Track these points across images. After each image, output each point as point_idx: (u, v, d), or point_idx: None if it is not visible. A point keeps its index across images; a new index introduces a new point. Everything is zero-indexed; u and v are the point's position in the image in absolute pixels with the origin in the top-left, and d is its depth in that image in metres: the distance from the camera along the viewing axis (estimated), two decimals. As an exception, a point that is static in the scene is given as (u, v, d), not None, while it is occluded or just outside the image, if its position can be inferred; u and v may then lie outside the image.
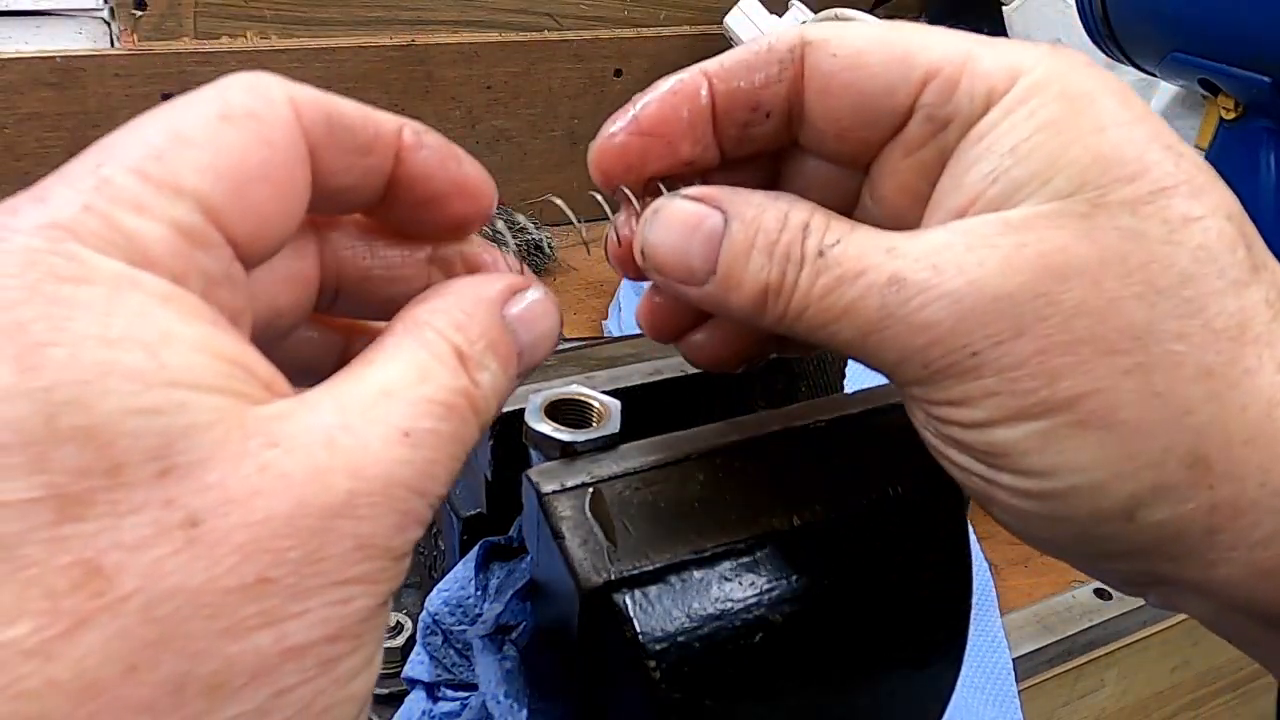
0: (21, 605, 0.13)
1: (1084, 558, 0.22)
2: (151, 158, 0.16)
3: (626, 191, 0.24)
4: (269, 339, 0.20)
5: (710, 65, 0.23)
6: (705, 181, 0.24)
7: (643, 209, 0.24)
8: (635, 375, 0.30)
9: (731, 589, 0.24)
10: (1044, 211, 0.19)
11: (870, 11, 0.83)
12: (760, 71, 0.23)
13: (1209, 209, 0.20)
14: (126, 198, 0.16)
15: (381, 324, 0.22)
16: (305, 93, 0.19)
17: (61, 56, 0.70)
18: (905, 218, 0.23)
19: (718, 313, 0.24)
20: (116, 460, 0.14)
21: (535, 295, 0.21)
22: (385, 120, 0.20)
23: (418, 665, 0.30)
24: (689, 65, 0.23)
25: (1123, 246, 0.19)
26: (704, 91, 0.23)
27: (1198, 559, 0.20)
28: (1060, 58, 0.21)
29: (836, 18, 0.83)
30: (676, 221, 0.22)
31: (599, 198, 0.26)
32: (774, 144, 0.24)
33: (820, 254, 0.21)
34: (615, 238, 0.24)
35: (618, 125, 0.23)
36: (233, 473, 0.15)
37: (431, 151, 0.21)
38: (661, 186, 0.24)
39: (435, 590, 0.30)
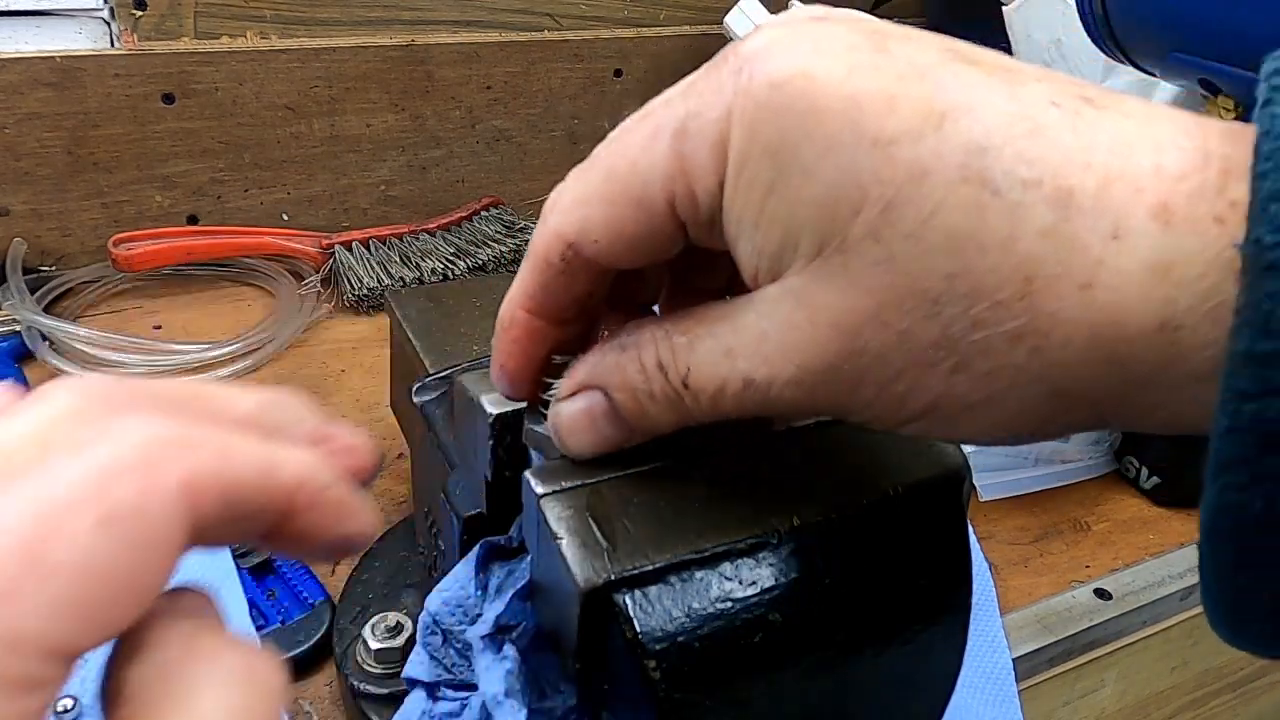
0: None
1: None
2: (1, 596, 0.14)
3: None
4: None
5: (517, 297, 0.25)
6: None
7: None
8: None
9: (731, 589, 0.24)
10: (811, 275, 0.20)
11: (871, 11, 0.83)
12: (558, 286, 0.24)
13: (938, 190, 0.19)
14: None
15: None
16: (204, 471, 0.17)
17: (61, 56, 0.70)
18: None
19: None
20: None
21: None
22: (282, 484, 0.19)
23: (418, 665, 0.30)
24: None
25: (882, 280, 0.19)
26: (539, 328, 0.25)
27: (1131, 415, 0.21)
28: (740, 97, 0.20)
29: (836, 18, 0.83)
30: (574, 425, 0.25)
31: None
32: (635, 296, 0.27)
33: (686, 386, 0.23)
34: None
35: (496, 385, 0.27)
36: None
37: (323, 513, 0.19)
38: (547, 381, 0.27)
39: (435, 590, 0.30)
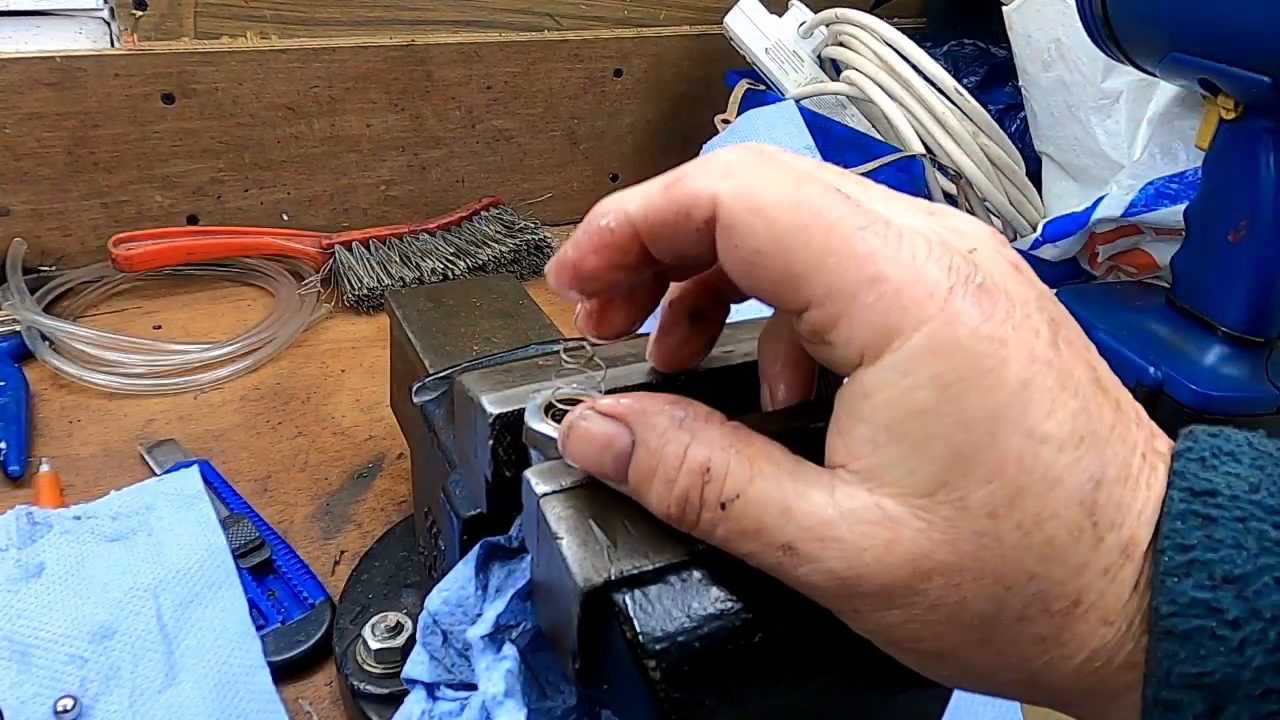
0: None
1: None
2: None
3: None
4: None
5: (633, 209, 0.24)
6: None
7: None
8: (635, 375, 0.30)
9: (732, 589, 0.24)
10: (913, 508, 0.21)
11: (870, 11, 0.83)
12: (679, 234, 0.23)
13: (1061, 501, 0.21)
14: None
15: None
16: None
17: (61, 56, 0.70)
18: None
19: None
20: None
21: None
22: None
23: (417, 665, 0.30)
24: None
25: (979, 553, 0.21)
26: (636, 248, 0.24)
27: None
28: (943, 323, 0.21)
29: (836, 18, 0.83)
30: (590, 440, 0.25)
31: None
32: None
33: (721, 506, 0.23)
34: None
35: (552, 271, 0.25)
36: None
37: None
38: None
39: (435, 590, 0.30)
